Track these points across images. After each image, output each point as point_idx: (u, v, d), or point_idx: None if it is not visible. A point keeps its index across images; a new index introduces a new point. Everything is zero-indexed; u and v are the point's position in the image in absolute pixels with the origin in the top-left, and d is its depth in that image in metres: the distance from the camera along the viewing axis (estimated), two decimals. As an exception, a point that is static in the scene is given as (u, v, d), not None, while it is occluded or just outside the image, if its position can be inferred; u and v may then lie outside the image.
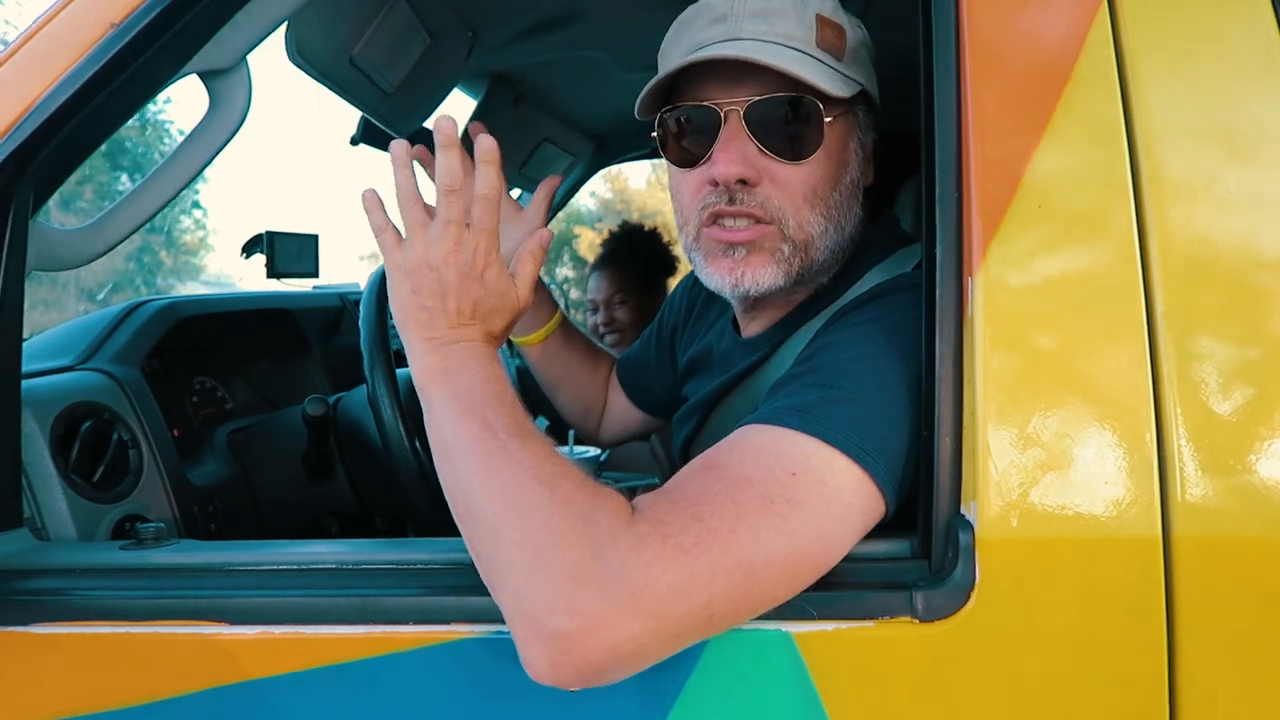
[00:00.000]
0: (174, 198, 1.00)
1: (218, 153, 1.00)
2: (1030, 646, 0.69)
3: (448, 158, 0.78)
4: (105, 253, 0.99)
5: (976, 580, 0.69)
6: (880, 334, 0.81)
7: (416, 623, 0.74)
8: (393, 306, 0.82)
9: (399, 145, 0.82)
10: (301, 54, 1.17)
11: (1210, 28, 0.73)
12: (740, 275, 0.93)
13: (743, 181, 0.90)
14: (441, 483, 0.73)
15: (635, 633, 0.63)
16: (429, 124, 1.55)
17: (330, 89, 1.30)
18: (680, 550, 0.65)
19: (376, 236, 0.83)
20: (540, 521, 0.66)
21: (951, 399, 0.71)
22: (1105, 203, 0.71)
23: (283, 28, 1.03)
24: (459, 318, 0.79)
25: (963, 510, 0.71)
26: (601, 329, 2.40)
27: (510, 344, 1.34)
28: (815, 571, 0.70)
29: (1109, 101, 0.72)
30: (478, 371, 0.77)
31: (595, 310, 2.43)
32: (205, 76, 0.95)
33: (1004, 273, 0.71)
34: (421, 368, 0.78)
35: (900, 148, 1.07)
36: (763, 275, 0.92)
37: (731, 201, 0.91)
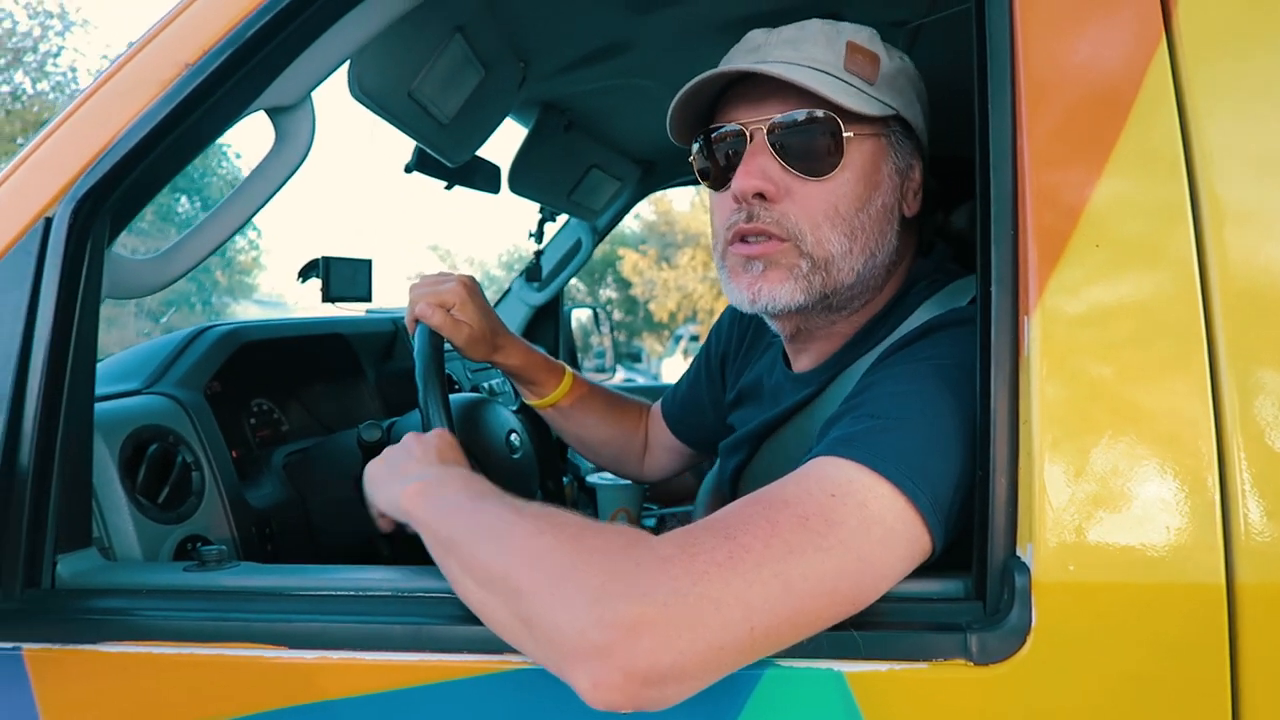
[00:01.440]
0: (241, 229, 1.03)
1: (283, 184, 1.03)
2: (1088, 693, 0.68)
3: None
4: (173, 282, 1.03)
5: (1033, 624, 0.68)
6: (932, 369, 0.80)
7: (470, 651, 0.75)
8: (366, 480, 0.95)
9: None
10: (363, 89, 1.20)
11: (1271, 59, 0.72)
12: (758, 290, 0.94)
13: (761, 196, 0.91)
14: (454, 588, 0.75)
15: (671, 641, 0.61)
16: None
17: (389, 121, 1.33)
18: (712, 564, 0.64)
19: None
20: (552, 562, 0.66)
21: (1007, 439, 0.70)
22: (1166, 237, 0.70)
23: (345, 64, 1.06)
24: (424, 458, 0.91)
25: (1018, 552, 0.69)
26: None
27: (528, 407, 1.44)
28: (856, 590, 0.68)
29: (1170, 134, 0.71)
30: (455, 480, 0.84)
31: None
32: (271, 112, 0.99)
33: (1062, 310, 0.70)
34: (400, 496, 0.85)
35: (949, 176, 1.06)
36: (779, 291, 0.93)
37: (750, 219, 0.93)
